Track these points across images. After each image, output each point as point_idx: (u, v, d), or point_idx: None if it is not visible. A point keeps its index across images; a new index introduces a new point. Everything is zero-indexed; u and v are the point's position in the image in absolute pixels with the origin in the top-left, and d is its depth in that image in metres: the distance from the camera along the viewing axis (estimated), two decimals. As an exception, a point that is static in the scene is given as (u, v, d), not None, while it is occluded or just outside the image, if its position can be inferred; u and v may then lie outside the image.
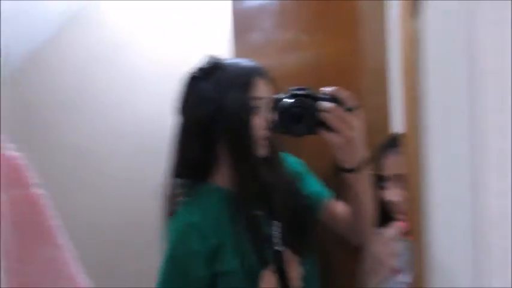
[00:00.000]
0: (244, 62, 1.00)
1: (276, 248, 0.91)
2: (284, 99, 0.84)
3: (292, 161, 1.12)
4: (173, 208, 1.00)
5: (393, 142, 1.08)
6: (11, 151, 0.55)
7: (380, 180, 1.11)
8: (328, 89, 0.83)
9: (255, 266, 0.93)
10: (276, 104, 0.86)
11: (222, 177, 1.00)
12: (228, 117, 0.92)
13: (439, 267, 0.62)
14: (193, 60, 1.01)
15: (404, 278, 1.08)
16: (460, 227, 0.54)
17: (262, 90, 0.96)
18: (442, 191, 0.60)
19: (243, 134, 0.93)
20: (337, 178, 0.91)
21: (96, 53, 1.59)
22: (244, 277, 0.92)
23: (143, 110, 1.63)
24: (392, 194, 1.06)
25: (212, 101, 0.93)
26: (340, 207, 1.05)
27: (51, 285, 0.55)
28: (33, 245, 0.54)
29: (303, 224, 1.03)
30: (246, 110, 0.93)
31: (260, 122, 0.94)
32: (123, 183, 1.62)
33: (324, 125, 0.81)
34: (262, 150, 0.95)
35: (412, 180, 0.65)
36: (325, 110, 0.81)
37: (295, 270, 0.92)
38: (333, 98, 0.82)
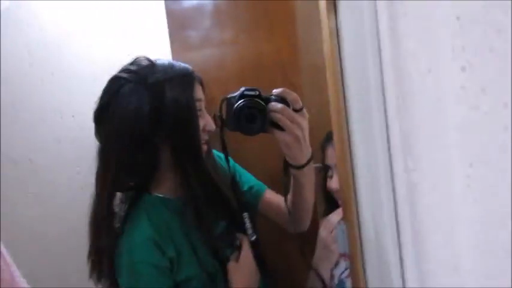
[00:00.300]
0: (178, 64, 0.98)
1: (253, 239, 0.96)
2: (235, 99, 0.88)
3: (222, 157, 1.13)
4: (117, 224, 0.95)
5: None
6: None
7: (325, 169, 1.20)
8: (276, 91, 0.88)
9: (214, 267, 0.95)
10: (228, 103, 0.89)
11: (165, 185, 0.99)
12: (172, 120, 0.89)
13: (369, 246, 0.67)
14: (129, 59, 0.99)
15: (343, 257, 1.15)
16: (384, 206, 0.60)
17: (199, 93, 0.97)
18: (367, 178, 0.65)
19: (190, 137, 0.92)
20: (285, 173, 0.95)
21: (29, 54, 1.52)
22: (206, 279, 0.94)
23: (82, 112, 1.59)
24: (335, 182, 1.13)
25: (150, 105, 0.89)
26: (275, 198, 1.11)
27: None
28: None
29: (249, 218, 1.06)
30: (191, 111, 0.92)
31: (201, 124, 0.95)
32: (68, 190, 1.57)
33: (274, 125, 0.86)
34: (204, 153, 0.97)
35: (341, 169, 0.70)
36: (276, 111, 0.85)
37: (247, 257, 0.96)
38: (281, 99, 0.88)
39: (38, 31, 1.54)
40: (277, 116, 0.85)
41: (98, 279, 0.93)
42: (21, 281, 0.58)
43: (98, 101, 0.95)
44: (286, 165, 0.94)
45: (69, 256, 1.47)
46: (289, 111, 0.86)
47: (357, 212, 0.67)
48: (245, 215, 0.97)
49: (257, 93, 0.88)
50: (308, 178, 0.97)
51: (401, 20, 0.40)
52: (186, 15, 1.41)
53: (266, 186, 1.17)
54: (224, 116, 0.92)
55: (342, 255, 1.17)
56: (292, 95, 0.88)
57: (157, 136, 0.92)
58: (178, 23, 1.39)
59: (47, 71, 1.56)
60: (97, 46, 1.61)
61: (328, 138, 1.18)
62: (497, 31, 0.32)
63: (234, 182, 1.00)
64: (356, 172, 0.66)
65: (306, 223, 1.12)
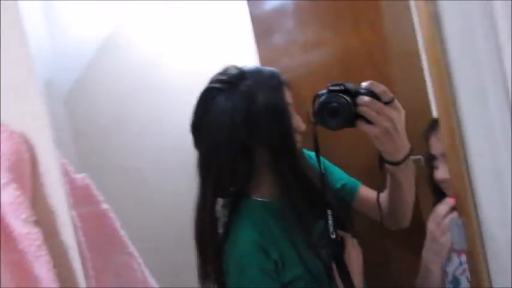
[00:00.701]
0: (266, 68, 1.00)
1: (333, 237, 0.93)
2: (322, 95, 0.88)
3: (312, 156, 1.12)
4: (220, 230, 0.98)
5: (436, 124, 1.10)
6: (77, 174, 0.61)
7: (430, 160, 1.14)
8: (365, 83, 0.86)
9: (318, 267, 0.95)
10: (315, 100, 0.89)
11: (263, 189, 1.00)
12: (267, 124, 0.92)
13: (492, 243, 0.62)
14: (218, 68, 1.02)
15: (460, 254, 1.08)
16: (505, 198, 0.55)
17: (288, 95, 0.98)
18: (485, 168, 0.60)
19: (285, 139, 0.94)
20: (380, 169, 0.92)
21: (129, 75, 1.67)
22: (310, 280, 0.94)
23: (182, 123, 1.69)
24: (442, 172, 1.08)
25: (244, 111, 0.91)
26: (371, 194, 1.06)
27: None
28: (106, 254, 0.60)
29: (345, 216, 1.05)
30: (284, 114, 0.94)
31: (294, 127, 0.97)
32: (172, 198, 1.68)
33: (361, 118, 0.84)
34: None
35: (452, 159, 0.65)
36: (362, 104, 0.83)
37: (357, 255, 0.94)
38: (369, 92, 0.84)
39: (138, 54, 1.67)
40: (364, 109, 0.83)
41: (206, 283, 0.98)
42: (152, 280, 0.64)
43: (193, 113, 1.00)
44: (381, 161, 0.90)
45: (178, 262, 1.58)
46: (377, 103, 0.83)
47: (475, 206, 0.63)
48: (328, 212, 0.93)
49: (342, 87, 0.86)
50: (405, 175, 0.92)
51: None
52: (269, 19, 1.43)
53: (360, 183, 1.14)
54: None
55: (457, 251, 1.10)
56: (380, 87, 0.84)
57: (254, 141, 0.94)
58: (263, 28, 1.43)
59: (146, 88, 1.69)
60: (187, 59, 1.70)
61: (432, 126, 1.12)
62: None
63: (323, 181, 0.98)
64: (471, 162, 0.61)
65: (406, 220, 1.07)
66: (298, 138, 0.98)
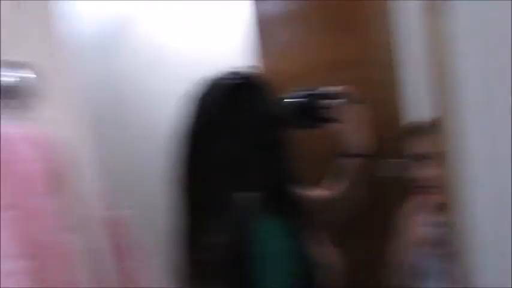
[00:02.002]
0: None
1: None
2: (292, 98, 0.94)
3: None
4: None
5: (421, 126, 1.19)
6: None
7: (406, 160, 1.21)
8: (333, 87, 0.94)
9: None
10: (286, 102, 0.94)
11: None
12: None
13: (477, 241, 0.66)
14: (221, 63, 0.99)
15: (437, 251, 1.14)
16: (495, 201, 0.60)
17: None
18: (482, 169, 0.65)
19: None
20: (338, 162, 0.97)
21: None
22: None
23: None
24: (420, 171, 1.14)
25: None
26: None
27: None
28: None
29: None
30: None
31: None
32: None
33: (329, 119, 0.92)
34: None
35: (449, 160, 0.70)
36: (330, 106, 0.91)
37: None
38: (337, 94, 0.93)
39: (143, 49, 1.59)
40: (333, 110, 0.90)
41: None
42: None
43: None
44: (342, 156, 0.97)
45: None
46: (345, 105, 0.91)
47: (461, 205, 0.67)
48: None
49: (312, 91, 0.93)
50: (357, 171, 0.98)
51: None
52: (272, 20, 1.46)
53: None
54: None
55: (427, 244, 1.16)
56: (348, 90, 0.92)
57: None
58: (265, 29, 1.45)
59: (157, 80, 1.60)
60: (194, 54, 1.63)
61: (415, 128, 1.20)
62: None
63: None
64: (467, 165, 0.66)
65: (348, 216, 1.09)
66: None
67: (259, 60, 1.43)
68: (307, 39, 1.46)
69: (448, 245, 0.89)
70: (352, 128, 0.92)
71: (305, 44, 1.46)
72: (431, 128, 1.08)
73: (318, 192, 1.10)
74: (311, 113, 0.92)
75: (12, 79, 0.59)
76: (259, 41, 1.46)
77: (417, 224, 1.12)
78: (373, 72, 1.43)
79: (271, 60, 1.19)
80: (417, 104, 1.36)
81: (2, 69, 0.60)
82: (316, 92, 0.94)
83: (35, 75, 0.54)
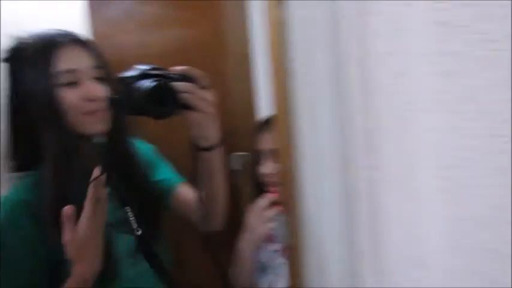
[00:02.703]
0: (49, 32, 0.90)
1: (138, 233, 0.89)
2: (136, 79, 0.78)
3: (143, 148, 1.08)
4: None
5: (267, 122, 1.20)
6: None
7: (256, 155, 1.21)
8: (179, 68, 0.82)
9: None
10: (125, 83, 0.79)
11: None
12: (29, 100, 0.86)
13: (311, 238, 0.68)
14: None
15: (276, 246, 1.18)
16: (329, 199, 0.61)
17: (69, 61, 0.88)
18: (312, 167, 0.65)
19: (47, 114, 0.86)
20: (194, 157, 0.90)
21: None
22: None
23: None
24: (266, 167, 1.16)
25: (15, 85, 0.87)
26: (190, 193, 1.03)
27: None
28: None
29: (152, 211, 1.00)
30: (45, 88, 0.85)
31: (74, 95, 0.87)
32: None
33: (184, 105, 0.80)
34: (89, 127, 0.88)
35: (283, 157, 0.70)
36: (185, 91, 0.79)
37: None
38: (187, 77, 0.81)
39: None
40: (186, 96, 0.79)
41: None
42: None
43: None
44: (196, 149, 0.88)
45: None
46: (198, 89, 0.80)
47: (299, 203, 0.68)
48: (127, 208, 0.91)
49: (158, 71, 0.80)
50: (218, 162, 0.92)
51: (372, 19, 0.40)
52: None
53: (182, 181, 1.10)
54: (119, 98, 0.81)
55: (269, 238, 1.19)
56: (197, 72, 0.82)
57: (25, 116, 0.89)
58: None
59: None
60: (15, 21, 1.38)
61: (263, 124, 1.20)
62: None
63: (138, 169, 0.98)
64: (301, 163, 0.66)
65: (219, 220, 1.06)
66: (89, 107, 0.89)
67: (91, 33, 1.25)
68: (145, 15, 1.32)
69: (284, 240, 0.91)
70: (206, 117, 0.82)
71: (145, 19, 1.32)
72: (270, 125, 1.11)
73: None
74: (166, 97, 0.77)
75: None
76: (90, 13, 1.28)
77: (262, 220, 1.12)
78: (226, 63, 1.39)
79: (103, 34, 1.02)
80: (266, 99, 1.38)
81: None
82: (165, 72, 0.80)
83: None
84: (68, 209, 0.74)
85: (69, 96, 0.86)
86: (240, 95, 1.43)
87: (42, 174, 0.84)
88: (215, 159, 0.90)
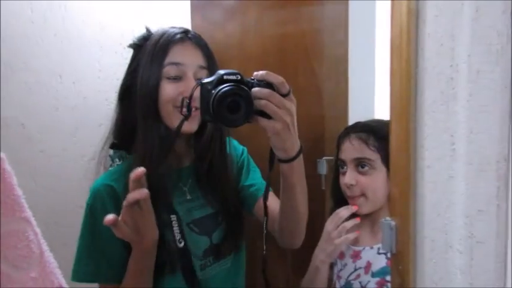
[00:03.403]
0: (172, 28, 0.95)
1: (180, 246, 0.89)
2: (213, 85, 0.76)
3: (236, 149, 1.09)
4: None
5: (351, 129, 1.14)
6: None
7: (338, 165, 1.16)
8: (259, 73, 0.76)
9: None
10: (203, 89, 0.76)
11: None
12: (137, 86, 0.91)
13: (424, 246, 0.62)
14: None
15: (361, 263, 1.11)
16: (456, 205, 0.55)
17: (180, 56, 0.91)
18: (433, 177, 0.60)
19: (147, 102, 0.90)
20: (271, 167, 0.86)
21: (31, 11, 1.41)
22: None
23: (83, 79, 1.50)
24: (347, 178, 1.10)
25: (132, 72, 0.94)
26: (274, 204, 0.99)
27: (12, 265, 0.46)
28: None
29: (234, 215, 1.01)
30: (152, 78, 0.90)
31: (174, 89, 0.90)
32: (62, 160, 1.47)
33: (260, 113, 0.75)
34: (186, 122, 0.86)
35: (400, 159, 0.65)
36: (262, 97, 0.74)
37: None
38: (266, 83, 0.76)
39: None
40: (263, 103, 0.74)
41: None
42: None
43: None
44: (273, 159, 0.83)
45: (60, 230, 1.39)
46: (277, 96, 0.75)
47: (412, 209, 0.63)
48: (172, 217, 0.90)
49: (239, 77, 0.75)
50: (298, 175, 0.85)
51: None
52: None
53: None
54: (198, 105, 0.79)
55: (352, 256, 1.14)
56: (278, 78, 0.76)
57: (132, 102, 0.94)
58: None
59: (49, 31, 1.44)
60: (108, 12, 1.51)
61: (347, 132, 1.14)
62: None
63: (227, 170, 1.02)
64: (420, 166, 0.61)
65: (298, 238, 1.00)
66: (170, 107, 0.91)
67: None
68: (246, 15, 1.33)
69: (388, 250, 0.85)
70: (283, 126, 0.76)
71: (244, 20, 1.33)
72: (353, 133, 1.10)
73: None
74: (238, 104, 0.74)
75: None
76: (192, 14, 1.36)
77: (339, 230, 1.10)
78: (321, 64, 1.37)
79: (203, 33, 1.04)
80: (359, 103, 1.32)
81: None
82: (244, 78, 0.76)
83: None
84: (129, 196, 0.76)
85: (168, 89, 0.90)
86: (333, 98, 1.40)
87: (131, 165, 0.86)
88: (293, 172, 0.84)
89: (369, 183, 1.09)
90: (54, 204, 1.43)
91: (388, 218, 0.70)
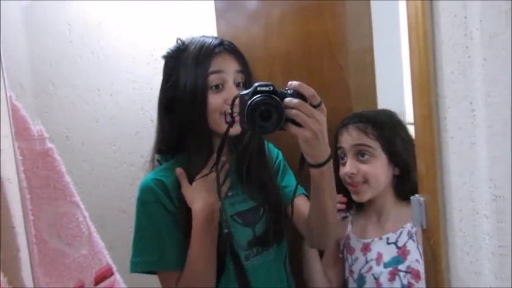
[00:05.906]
0: (206, 38, 1.01)
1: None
2: (248, 96, 0.82)
3: (273, 151, 1.15)
4: None
5: (349, 120, 1.17)
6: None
7: (338, 155, 1.18)
8: (292, 84, 0.83)
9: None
10: (241, 100, 0.84)
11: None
12: (181, 94, 0.97)
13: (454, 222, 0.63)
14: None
15: (372, 255, 1.12)
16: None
17: (220, 66, 0.98)
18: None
19: (194, 110, 0.96)
20: (300, 169, 0.91)
21: (69, 32, 1.51)
22: None
23: (120, 91, 1.58)
24: (348, 167, 1.13)
25: (173, 80, 0.99)
26: (305, 206, 1.03)
27: (65, 242, 0.51)
28: (46, 199, 0.51)
29: (276, 211, 1.05)
30: (199, 89, 0.96)
31: (219, 99, 0.97)
32: (104, 169, 1.56)
33: (291, 121, 0.81)
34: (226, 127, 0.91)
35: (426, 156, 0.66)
36: (292, 106, 0.80)
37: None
38: (297, 94, 0.82)
39: (78, 9, 1.52)
40: (294, 112, 0.80)
41: None
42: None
43: None
44: (302, 164, 0.89)
45: (106, 234, 1.46)
46: (307, 106, 0.81)
47: (442, 182, 0.63)
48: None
49: (271, 88, 0.82)
50: (327, 179, 0.90)
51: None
52: None
53: (302, 192, 1.11)
54: (237, 114, 0.86)
55: (362, 249, 1.14)
56: (310, 91, 0.82)
57: (177, 109, 1.00)
58: (224, 3, 1.36)
59: (86, 49, 1.55)
60: (138, 27, 1.60)
61: (344, 123, 1.17)
62: None
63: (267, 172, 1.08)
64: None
65: (326, 240, 1.05)
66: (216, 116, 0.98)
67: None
68: (269, 17, 1.35)
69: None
70: (313, 135, 0.81)
71: (267, 21, 1.35)
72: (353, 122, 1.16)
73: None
74: (267, 113, 0.80)
75: None
76: (217, 19, 1.40)
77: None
78: (346, 58, 1.38)
79: (229, 37, 1.09)
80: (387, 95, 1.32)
81: None
82: (270, 89, 0.82)
83: None
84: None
85: (214, 99, 0.97)
86: (361, 91, 1.40)
87: (180, 163, 0.99)
88: (322, 178, 0.88)
89: (371, 171, 1.11)
90: (99, 210, 1.51)
91: (417, 195, 0.71)
